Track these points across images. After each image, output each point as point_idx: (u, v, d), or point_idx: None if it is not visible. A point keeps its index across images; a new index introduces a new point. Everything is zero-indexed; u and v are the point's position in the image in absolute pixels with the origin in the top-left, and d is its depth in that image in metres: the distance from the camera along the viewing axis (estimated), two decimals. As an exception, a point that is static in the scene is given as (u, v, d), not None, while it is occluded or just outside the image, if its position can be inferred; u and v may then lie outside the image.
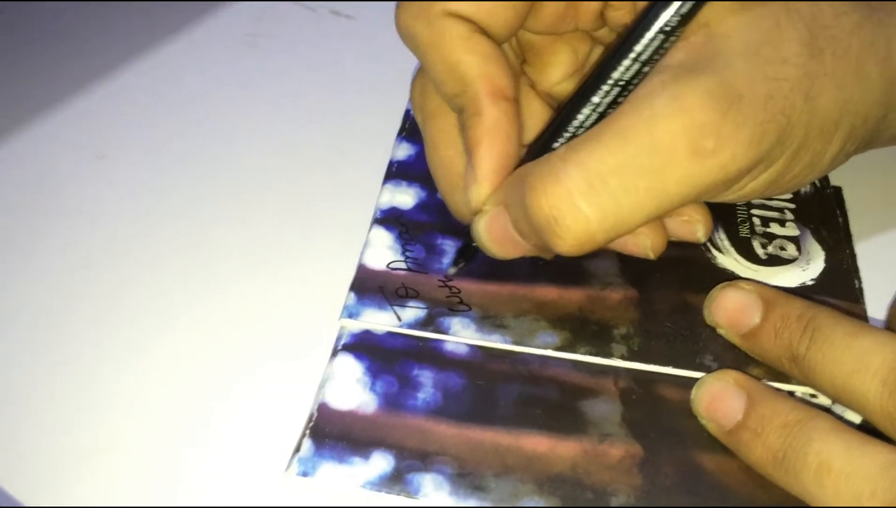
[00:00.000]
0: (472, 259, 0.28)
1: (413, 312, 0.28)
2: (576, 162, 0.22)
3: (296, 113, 0.37)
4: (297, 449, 0.24)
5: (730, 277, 0.29)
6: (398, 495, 0.23)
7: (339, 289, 0.29)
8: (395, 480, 0.23)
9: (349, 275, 0.29)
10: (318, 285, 0.29)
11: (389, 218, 0.31)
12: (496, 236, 0.25)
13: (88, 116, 0.36)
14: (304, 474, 0.24)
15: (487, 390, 0.26)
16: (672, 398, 0.26)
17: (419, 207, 0.31)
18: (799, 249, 0.30)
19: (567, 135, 0.25)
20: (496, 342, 0.27)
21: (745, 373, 0.25)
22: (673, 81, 0.23)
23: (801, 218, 0.31)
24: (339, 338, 0.27)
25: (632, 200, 0.22)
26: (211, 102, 0.37)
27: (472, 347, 0.27)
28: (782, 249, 0.30)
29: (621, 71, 0.24)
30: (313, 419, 0.25)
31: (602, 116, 0.24)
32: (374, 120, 0.36)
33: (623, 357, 0.26)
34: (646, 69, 0.24)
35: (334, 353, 0.27)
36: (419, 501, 0.23)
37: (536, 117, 0.28)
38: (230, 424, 0.25)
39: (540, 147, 0.25)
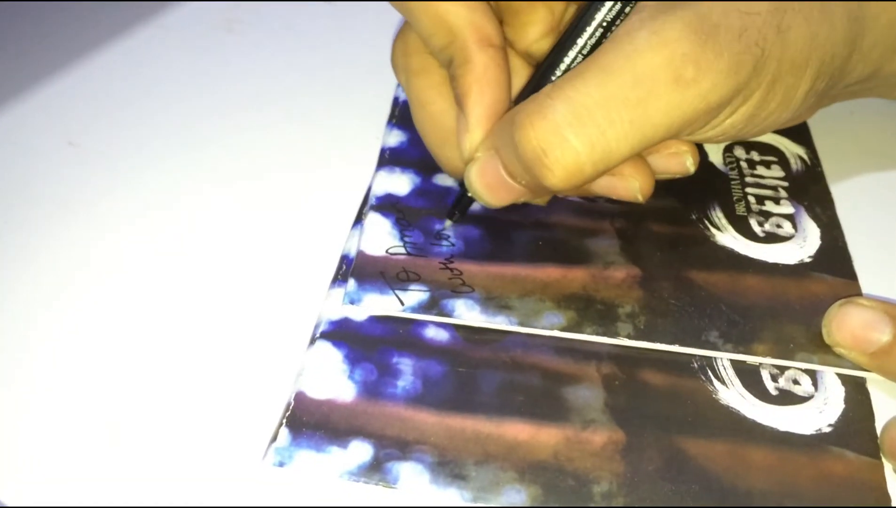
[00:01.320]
0: (467, 210, 0.29)
1: (416, 295, 0.27)
2: (562, 97, 0.23)
3: (277, 102, 0.36)
4: (274, 439, 0.24)
5: (730, 254, 0.29)
6: (377, 484, 0.23)
7: (320, 278, 0.28)
8: (374, 469, 0.23)
9: (331, 264, 0.29)
10: (298, 273, 0.29)
11: (385, 205, 0.30)
12: (489, 181, 0.26)
13: (61, 102, 0.35)
14: (281, 464, 0.23)
15: (468, 377, 0.25)
16: (656, 383, 0.25)
17: (415, 192, 0.31)
18: (795, 226, 0.30)
19: (553, 79, 0.26)
20: (501, 323, 0.27)
21: (751, 351, 0.26)
22: (651, 18, 0.24)
23: (795, 196, 0.32)
24: (316, 325, 0.27)
25: (617, 131, 0.23)
26: (187, 90, 0.37)
27: (453, 334, 0.26)
28: (779, 226, 0.30)
29: (604, 12, 0.25)
30: (290, 408, 0.24)
31: (585, 58, 0.25)
32: (360, 108, 0.35)
33: (629, 336, 0.26)
34: (627, 9, 0.25)
35: (312, 341, 0.26)
36: (398, 490, 0.23)
37: (517, 75, 0.29)
38: (205, 413, 0.25)
39: (527, 95, 0.25)
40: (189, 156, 0.33)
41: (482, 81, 0.25)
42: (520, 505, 0.22)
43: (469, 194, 0.27)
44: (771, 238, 0.30)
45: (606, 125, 0.23)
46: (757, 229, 0.30)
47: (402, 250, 0.29)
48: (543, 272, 0.28)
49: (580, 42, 0.25)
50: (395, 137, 0.34)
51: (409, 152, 0.33)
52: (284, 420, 0.24)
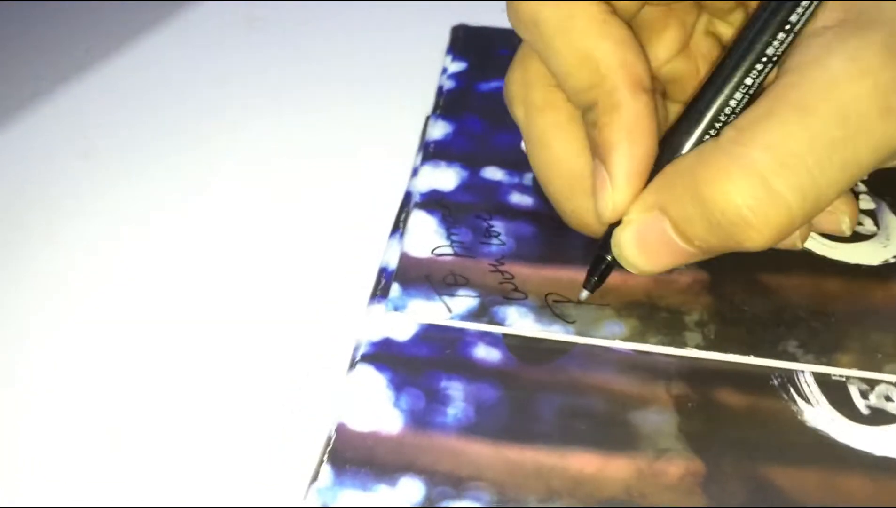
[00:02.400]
0: (607, 277, 0.24)
1: (464, 301, 0.25)
2: (759, 144, 0.20)
3: (301, 101, 0.34)
4: (315, 478, 0.21)
5: (805, 254, 0.27)
6: (431, 526, 0.21)
7: (357, 294, 0.26)
8: (427, 510, 0.21)
9: (369, 279, 0.27)
10: (333, 290, 0.27)
11: (430, 202, 0.28)
12: (651, 246, 0.22)
13: (80, 104, 0.33)
14: (324, 506, 0.21)
15: (524, 402, 0.23)
16: (733, 404, 0.23)
17: (462, 188, 0.29)
18: (877, 223, 0.28)
19: (719, 124, 0.22)
20: (557, 333, 0.24)
21: (835, 362, 0.24)
22: (840, 41, 0.20)
23: (875, 190, 0.29)
24: (356, 348, 0.25)
25: (829, 176, 0.20)
26: (208, 89, 0.35)
27: (506, 352, 0.24)
28: (859, 223, 0.28)
29: (776, 46, 0.21)
30: (332, 442, 0.22)
31: (752, 98, 0.22)
32: (389, 105, 0.33)
33: (699, 347, 0.24)
34: (790, 39, 0.22)
35: (352, 365, 0.24)
36: (455, 533, 0.21)
37: None
38: (237, 449, 0.23)
39: (678, 142, 0.22)
40: (208, 158, 0.31)
41: (633, 133, 0.22)
42: (592, 549, 0.20)
43: (611, 259, 0.23)
44: (850, 237, 0.27)
45: (818, 172, 0.20)
46: None
47: (449, 250, 0.27)
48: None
49: (749, 81, 0.22)
50: (440, 130, 0.31)
51: (455, 145, 0.31)
52: (326, 456, 0.22)
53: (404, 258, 0.27)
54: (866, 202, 0.28)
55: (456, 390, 0.23)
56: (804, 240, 0.24)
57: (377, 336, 0.25)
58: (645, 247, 0.22)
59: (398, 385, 0.23)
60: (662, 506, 0.21)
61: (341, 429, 0.22)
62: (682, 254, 0.22)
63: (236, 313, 0.26)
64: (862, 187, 0.29)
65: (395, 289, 0.26)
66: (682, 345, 0.24)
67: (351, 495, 0.21)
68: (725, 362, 0.24)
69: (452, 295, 0.25)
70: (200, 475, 0.22)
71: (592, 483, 0.21)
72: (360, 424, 0.23)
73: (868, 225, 0.28)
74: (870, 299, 0.25)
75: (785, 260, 0.26)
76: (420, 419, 0.23)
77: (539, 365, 0.24)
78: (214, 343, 0.25)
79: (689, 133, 0.22)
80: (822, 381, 0.24)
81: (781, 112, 0.20)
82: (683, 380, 0.24)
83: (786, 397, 0.23)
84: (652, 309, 0.25)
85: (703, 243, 0.21)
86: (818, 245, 0.27)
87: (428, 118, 0.33)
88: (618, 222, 0.23)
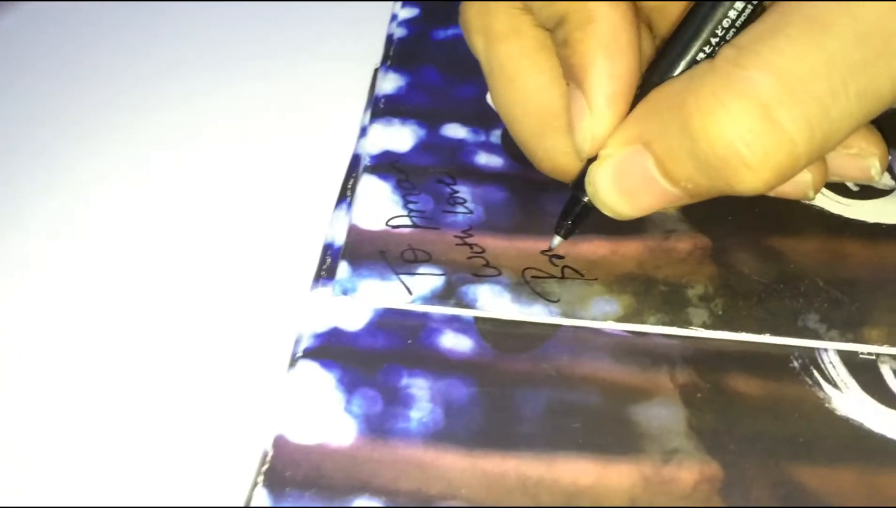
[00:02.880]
0: (583, 221, 0.21)
1: (427, 281, 0.21)
2: (762, 66, 0.17)
3: (235, 54, 0.29)
4: (248, 505, 0.17)
5: (819, 214, 0.23)
6: (394, 560, 0.17)
7: (297, 277, 0.22)
8: (389, 539, 0.17)
9: (311, 258, 0.22)
10: (269, 274, 0.23)
11: (382, 165, 0.24)
12: (631, 185, 0.19)
13: None
14: (260, 541, 0.17)
15: (504, 399, 0.19)
16: (749, 392, 0.19)
17: (419, 148, 0.25)
18: (894, 176, 0.24)
19: (716, 40, 0.19)
20: (539, 314, 0.21)
21: (863, 338, 0.20)
22: None
23: (890, 139, 0.25)
24: (297, 341, 0.21)
25: (842, 107, 0.17)
26: (142, 52, 0.30)
27: (479, 341, 0.20)
28: None
29: None
30: (268, 459, 0.18)
31: (756, 11, 0.18)
32: (338, 54, 0.29)
33: (705, 326, 0.21)
34: None
35: (292, 362, 0.20)
36: (424, 567, 0.17)
37: (645, 47, 0.21)
38: (153, 468, 0.18)
39: (668, 65, 0.19)
40: (143, 123, 0.27)
41: (612, 48, 0.19)
42: (594, 581, 0.16)
43: (587, 201, 0.20)
44: (867, 193, 0.24)
45: (830, 102, 0.16)
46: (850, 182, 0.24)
47: (407, 221, 0.23)
48: (587, 247, 0.22)
49: None
50: (392, 83, 0.27)
51: (410, 99, 0.26)
52: (261, 479, 0.18)
53: (353, 232, 0.22)
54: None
55: (420, 388, 0.19)
56: (818, 188, 0.20)
57: (322, 326, 0.20)
58: (623, 186, 0.19)
59: (349, 385, 0.19)
60: (676, 522, 0.17)
61: (280, 443, 0.18)
62: (666, 196, 0.19)
63: (156, 301, 0.22)
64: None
65: (344, 268, 0.21)
66: (686, 324, 0.20)
67: (293, 525, 0.17)
68: (737, 341, 0.20)
69: (412, 274, 0.21)
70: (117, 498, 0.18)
71: (589, 496, 0.18)
72: (304, 436, 0.18)
73: (885, 179, 0.24)
74: (895, 262, 0.22)
75: (797, 221, 0.23)
76: (377, 427, 0.19)
77: (519, 354, 0.20)
78: (127, 339, 0.21)
79: (682, 54, 0.19)
80: (850, 361, 0.20)
81: (791, 28, 0.17)
82: (689, 365, 0.20)
83: (809, 381, 0.20)
84: (648, 283, 0.21)
85: (690, 184, 0.18)
86: (832, 203, 0.23)
87: (377, 70, 0.28)
88: (595, 158, 0.19)
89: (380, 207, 0.23)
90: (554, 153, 0.21)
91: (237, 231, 0.24)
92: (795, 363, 0.20)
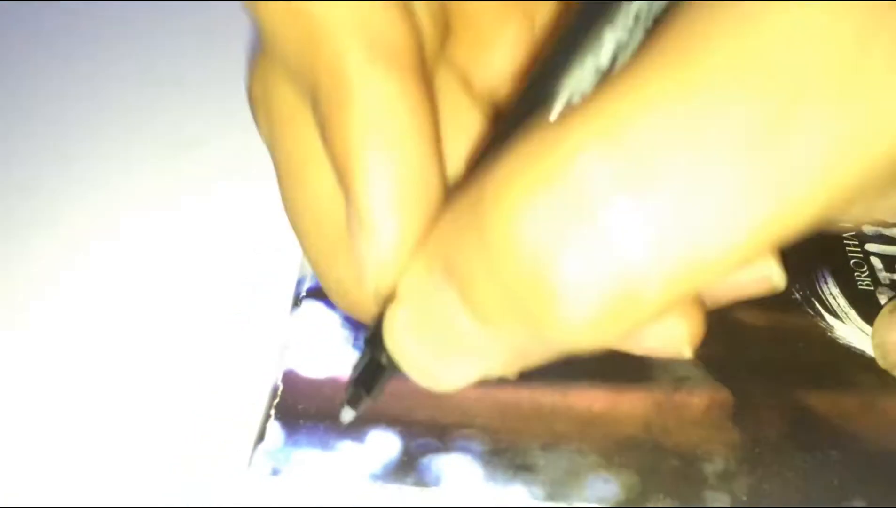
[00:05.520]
0: (379, 388, 0.14)
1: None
2: (596, 119, 0.09)
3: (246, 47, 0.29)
4: (261, 438, 0.17)
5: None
6: (412, 486, 0.16)
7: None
8: (406, 468, 0.17)
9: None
10: (269, 217, 0.22)
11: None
12: (441, 337, 0.12)
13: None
14: (275, 472, 0.16)
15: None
16: (754, 323, 0.20)
17: None
18: None
19: (562, 96, 0.11)
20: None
21: None
22: None
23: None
24: (300, 282, 0.20)
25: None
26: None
27: None
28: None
29: None
30: (278, 393, 0.18)
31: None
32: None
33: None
34: None
35: (296, 302, 0.20)
36: (441, 491, 0.16)
37: (468, 132, 0.14)
38: (168, 410, 0.18)
39: (538, 97, 0.12)
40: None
41: (387, 133, 0.12)
42: (614, 505, 0.16)
43: (386, 363, 0.13)
44: None
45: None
46: None
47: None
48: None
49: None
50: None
51: None
52: (273, 411, 0.17)
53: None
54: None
55: (429, 322, 0.19)
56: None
57: (327, 265, 0.20)
58: (430, 340, 0.12)
59: (357, 323, 0.19)
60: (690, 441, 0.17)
61: (289, 377, 0.18)
62: (486, 352, 0.12)
63: (166, 254, 0.21)
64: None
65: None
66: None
67: (307, 456, 0.17)
68: None
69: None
70: (129, 439, 0.17)
71: (605, 422, 0.18)
72: (312, 369, 0.18)
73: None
74: None
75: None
76: (388, 359, 0.18)
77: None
78: (137, 283, 0.20)
79: (565, 67, 0.11)
80: (849, 293, 0.20)
81: (665, 55, 0.09)
82: (694, 299, 0.20)
83: (811, 312, 0.20)
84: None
85: (504, 330, 0.11)
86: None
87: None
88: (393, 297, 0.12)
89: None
90: (348, 285, 0.14)
91: (244, 181, 0.23)
92: (797, 295, 0.20)
